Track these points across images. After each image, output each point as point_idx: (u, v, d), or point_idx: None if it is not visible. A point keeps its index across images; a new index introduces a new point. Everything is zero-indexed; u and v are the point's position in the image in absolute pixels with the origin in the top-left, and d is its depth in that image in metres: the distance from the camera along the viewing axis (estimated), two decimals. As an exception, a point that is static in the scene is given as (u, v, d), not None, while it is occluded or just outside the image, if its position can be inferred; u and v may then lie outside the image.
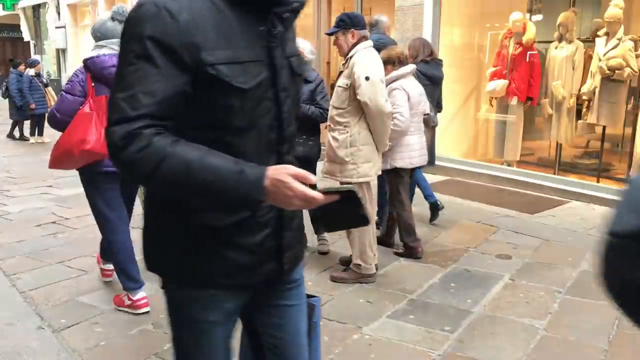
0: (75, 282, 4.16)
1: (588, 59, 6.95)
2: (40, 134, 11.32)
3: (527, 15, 7.71)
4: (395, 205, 4.68)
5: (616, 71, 6.35)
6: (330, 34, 4.07)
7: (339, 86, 3.96)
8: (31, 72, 11.21)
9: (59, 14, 19.08)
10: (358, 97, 3.82)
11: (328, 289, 4.02)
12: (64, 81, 18.94)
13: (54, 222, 5.65)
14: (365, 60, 3.87)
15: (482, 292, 3.99)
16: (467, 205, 6.22)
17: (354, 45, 3.94)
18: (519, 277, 4.26)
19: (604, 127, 6.94)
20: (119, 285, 3.73)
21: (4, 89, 11.57)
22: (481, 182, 5.70)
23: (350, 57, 3.92)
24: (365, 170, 3.99)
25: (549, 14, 7.83)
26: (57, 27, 18.82)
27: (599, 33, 6.71)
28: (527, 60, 7.10)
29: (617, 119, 6.77)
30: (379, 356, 3.15)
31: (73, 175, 7.75)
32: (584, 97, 6.94)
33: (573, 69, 6.94)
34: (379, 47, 4.38)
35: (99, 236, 5.17)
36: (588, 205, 6.18)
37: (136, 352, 3.18)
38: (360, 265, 4.15)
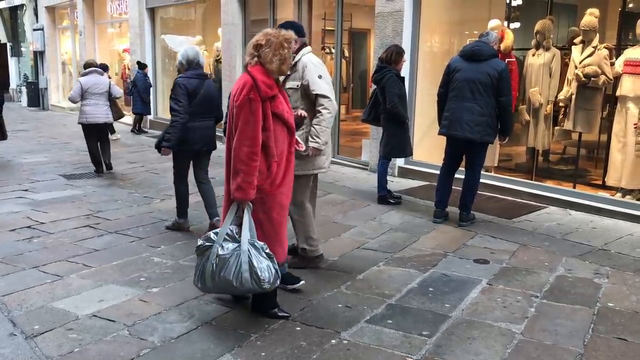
0: (49, 287, 4.09)
1: (565, 66, 7.06)
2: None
3: (505, 22, 7.80)
4: None
5: (592, 79, 6.45)
6: None
7: (290, 88, 4.24)
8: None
9: (36, 16, 18.86)
10: (314, 92, 4.19)
11: (306, 294, 4.00)
12: (41, 84, 18.71)
13: (29, 227, 5.55)
14: (314, 62, 4.30)
15: (460, 296, 4.01)
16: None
17: (298, 50, 4.30)
18: (497, 281, 4.29)
19: (580, 134, 7.05)
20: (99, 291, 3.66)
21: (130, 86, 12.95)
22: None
23: (297, 62, 4.28)
24: (321, 162, 4.40)
25: (526, 21, 7.94)
26: (34, 30, 18.60)
27: (575, 41, 6.82)
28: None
29: (592, 126, 6.87)
30: (357, 361, 3.15)
31: (50, 179, 7.70)
32: (561, 104, 7.04)
33: (550, 76, 7.03)
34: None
35: (75, 241, 5.12)
36: (564, 211, 6.26)
37: (110, 359, 3.13)
38: (306, 249, 4.45)
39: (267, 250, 3.37)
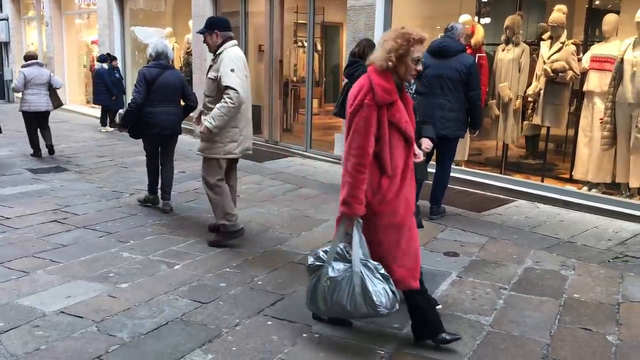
0: (15, 284, 4.00)
1: (533, 61, 7.16)
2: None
3: (476, 17, 7.87)
4: None
5: (559, 74, 6.56)
6: (200, 33, 4.86)
7: (209, 78, 4.70)
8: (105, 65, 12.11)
9: (0, 5, 18.36)
10: (224, 84, 4.51)
11: (278, 289, 4.00)
12: (6, 76, 18.25)
13: (-7, 222, 5.43)
14: (231, 56, 4.63)
15: (430, 289, 4.00)
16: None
17: (222, 43, 4.72)
18: (466, 274, 4.34)
19: (548, 128, 7.16)
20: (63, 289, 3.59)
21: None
22: (430, 182, 5.77)
23: (220, 54, 4.67)
24: (231, 148, 4.75)
25: (496, 17, 8.02)
26: (-1, 20, 18.12)
27: (543, 37, 6.92)
28: (476, 62, 7.24)
29: (560, 120, 6.99)
30: (328, 355, 3.15)
31: (15, 173, 7.52)
32: (530, 99, 7.14)
33: (519, 71, 7.12)
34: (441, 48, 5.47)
35: (41, 236, 5.02)
36: (533, 204, 6.36)
37: (78, 356, 3.08)
38: (225, 224, 4.79)
39: (382, 271, 3.02)
